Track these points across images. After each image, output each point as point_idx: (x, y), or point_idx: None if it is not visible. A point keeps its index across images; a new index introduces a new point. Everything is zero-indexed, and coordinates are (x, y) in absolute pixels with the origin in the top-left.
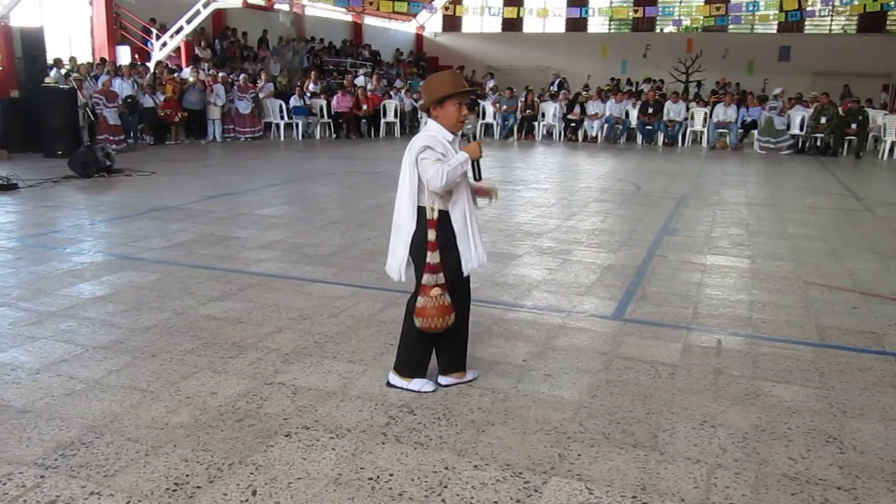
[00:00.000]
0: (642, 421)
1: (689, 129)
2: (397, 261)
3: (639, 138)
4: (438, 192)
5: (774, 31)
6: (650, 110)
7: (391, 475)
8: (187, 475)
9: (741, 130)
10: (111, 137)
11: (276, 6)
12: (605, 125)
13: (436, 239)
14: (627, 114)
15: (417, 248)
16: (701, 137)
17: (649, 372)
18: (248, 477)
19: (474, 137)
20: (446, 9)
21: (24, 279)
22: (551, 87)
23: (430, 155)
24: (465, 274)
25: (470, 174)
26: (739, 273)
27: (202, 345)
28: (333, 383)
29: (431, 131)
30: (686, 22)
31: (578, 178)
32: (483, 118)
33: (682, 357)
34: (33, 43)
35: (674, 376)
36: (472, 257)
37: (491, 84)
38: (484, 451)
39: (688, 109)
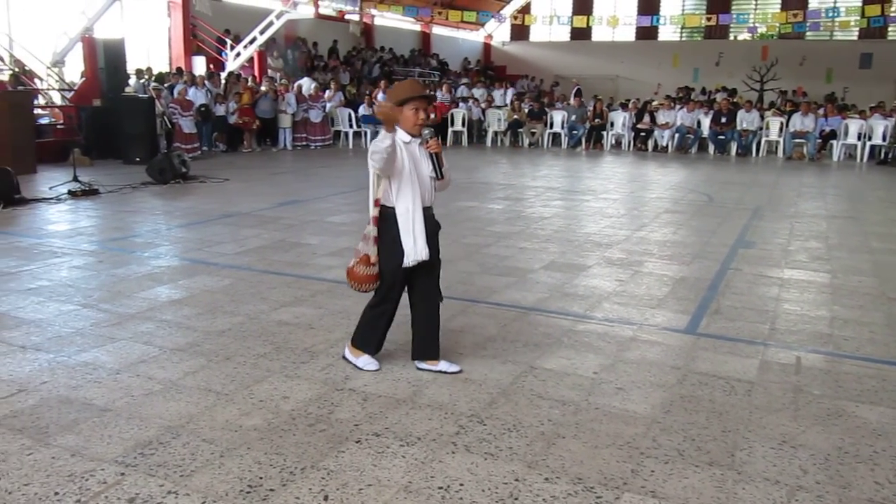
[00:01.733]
0: (718, 439)
1: (763, 139)
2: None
3: (711, 148)
4: (376, 169)
5: (855, 38)
6: (723, 119)
7: (461, 485)
8: (261, 478)
9: (820, 140)
10: (186, 145)
11: (347, 17)
12: (676, 135)
13: (378, 221)
14: (699, 123)
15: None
16: (776, 147)
17: (724, 388)
18: (320, 481)
19: (428, 140)
20: (515, 18)
21: (105, 281)
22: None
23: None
24: (406, 264)
25: (430, 171)
26: (819, 288)
27: (274, 349)
28: (403, 391)
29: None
30: (761, 29)
31: (648, 189)
32: (551, 127)
33: (759, 374)
34: (115, 54)
35: (750, 393)
36: (409, 251)
37: (574, 90)
38: (555, 464)
39: (762, 118)
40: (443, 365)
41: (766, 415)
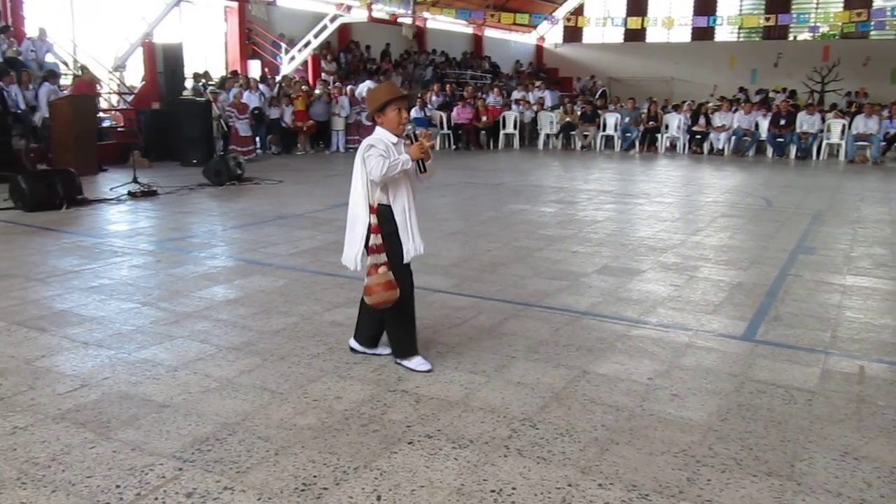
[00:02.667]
0: (777, 448)
1: (824, 142)
2: (354, 251)
3: (769, 151)
4: (376, 181)
5: None
6: (782, 122)
7: (514, 489)
8: (315, 476)
9: (884, 143)
10: (242, 148)
11: (400, 20)
12: (733, 137)
13: (378, 224)
14: (757, 125)
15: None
16: (838, 151)
17: (784, 397)
18: (373, 481)
19: (416, 139)
20: (567, 20)
21: (164, 280)
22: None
23: (373, 152)
24: (405, 261)
25: (415, 169)
26: (883, 295)
27: (328, 350)
28: (455, 393)
29: (377, 135)
30: (823, 29)
31: (704, 192)
32: (604, 130)
33: (820, 383)
34: (173, 58)
35: (811, 403)
36: (410, 248)
37: (599, 91)
38: (609, 470)
39: (823, 121)
40: (416, 363)
41: (828, 425)
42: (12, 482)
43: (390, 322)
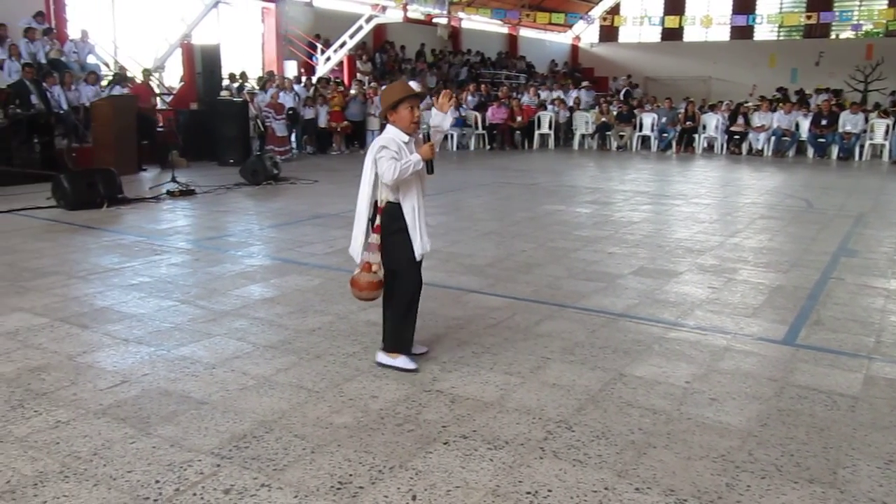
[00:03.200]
0: (819, 455)
1: (867, 142)
2: (357, 245)
3: (809, 152)
4: (389, 185)
5: None
6: (823, 122)
7: (549, 491)
8: (350, 475)
9: None
10: (278, 148)
11: (435, 20)
12: (773, 137)
13: (383, 223)
14: (797, 125)
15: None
16: (881, 151)
17: (826, 403)
18: (409, 481)
19: (429, 138)
20: (604, 19)
21: (202, 279)
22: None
23: (385, 153)
24: (417, 258)
25: (425, 169)
26: None
27: (363, 349)
28: (491, 394)
29: (389, 134)
30: (866, 27)
31: (742, 194)
32: (640, 130)
33: (864, 389)
34: (211, 59)
35: (854, 409)
36: (419, 246)
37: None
38: (646, 474)
39: (867, 121)
40: (402, 360)
41: (872, 432)
42: (55, 475)
43: (392, 315)
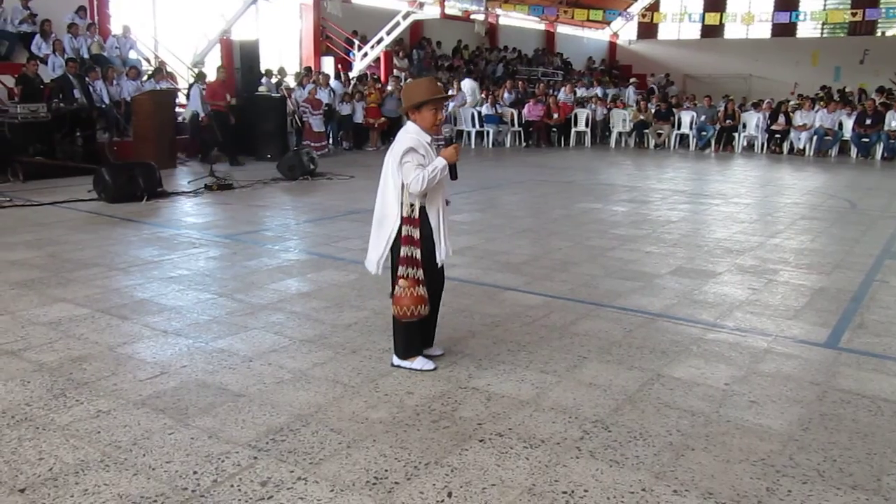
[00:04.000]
0: (862, 461)
1: None
2: (377, 255)
3: (853, 151)
4: (418, 195)
5: None
6: (868, 121)
7: (586, 491)
8: (386, 470)
9: None
10: (315, 143)
11: (472, 16)
12: (815, 137)
13: (416, 236)
14: (840, 125)
15: (400, 242)
16: None
17: (870, 408)
18: (444, 478)
19: (451, 141)
20: (643, 16)
21: (239, 272)
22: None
23: (412, 159)
24: (439, 265)
25: (449, 174)
26: None
27: None
28: (527, 392)
29: (411, 133)
30: None
31: (783, 194)
32: (678, 128)
33: None
34: (250, 54)
35: None
36: (441, 251)
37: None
38: (684, 476)
39: None
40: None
41: None
42: (96, 464)
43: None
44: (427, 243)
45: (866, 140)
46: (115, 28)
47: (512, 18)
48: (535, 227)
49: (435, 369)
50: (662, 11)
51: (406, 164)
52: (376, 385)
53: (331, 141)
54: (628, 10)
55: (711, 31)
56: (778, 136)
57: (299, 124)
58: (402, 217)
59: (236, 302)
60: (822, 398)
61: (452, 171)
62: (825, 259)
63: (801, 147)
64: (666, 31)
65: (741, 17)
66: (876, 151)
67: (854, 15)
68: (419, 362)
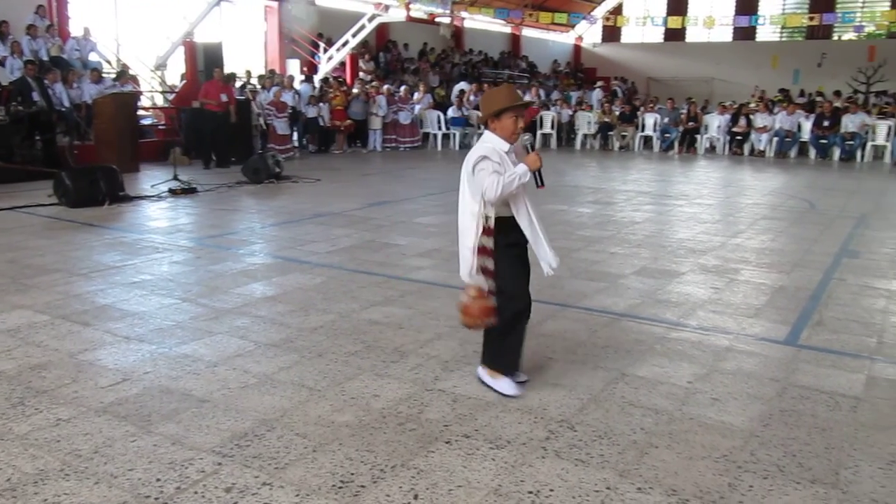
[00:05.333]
0: (821, 455)
1: (869, 144)
2: (467, 266)
3: (812, 153)
4: (492, 202)
5: None
6: (826, 123)
7: (552, 490)
8: (352, 473)
9: None
10: (280, 146)
11: (438, 19)
12: (775, 138)
13: (495, 244)
14: (799, 126)
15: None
16: (883, 153)
17: (828, 403)
18: (410, 480)
19: (532, 149)
20: (606, 19)
21: (203, 277)
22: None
23: (486, 166)
24: (546, 274)
25: (532, 182)
26: None
27: (365, 348)
28: (492, 394)
29: (488, 142)
30: (869, 28)
31: (745, 194)
32: (642, 130)
33: (866, 389)
34: (213, 57)
35: (856, 410)
36: (548, 260)
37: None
38: (648, 474)
39: (869, 122)
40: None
41: (874, 433)
42: (56, 473)
43: (496, 332)
44: (514, 251)
45: (824, 141)
46: (76, 30)
47: (477, 21)
48: None
49: (517, 397)
50: (626, 15)
51: (480, 172)
52: (342, 388)
53: (297, 144)
54: (592, 13)
55: (674, 35)
56: (739, 137)
57: (264, 127)
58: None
59: (200, 307)
60: (781, 394)
61: (538, 179)
62: (785, 258)
63: (762, 148)
64: (630, 35)
65: (703, 20)
66: (833, 153)
67: (812, 19)
68: (504, 384)
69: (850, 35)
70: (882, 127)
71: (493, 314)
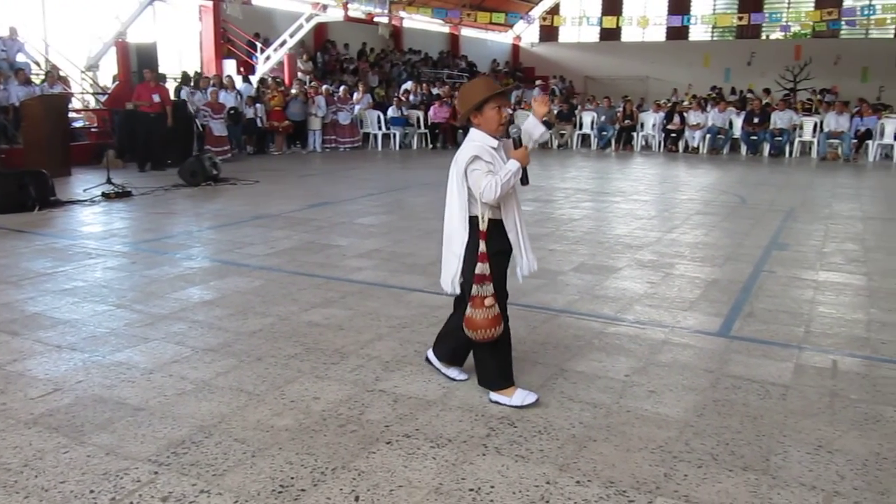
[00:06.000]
0: (752, 443)
1: (797, 140)
2: (451, 273)
3: (743, 149)
4: (493, 204)
5: (892, 36)
6: (756, 119)
7: (492, 487)
8: (292, 477)
9: (855, 141)
10: (217, 148)
11: (376, 19)
12: (708, 135)
13: (486, 250)
14: (731, 123)
15: (470, 258)
16: (810, 148)
17: (759, 392)
18: (351, 482)
19: (521, 141)
20: (543, 19)
21: (138, 282)
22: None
23: (479, 166)
24: (520, 280)
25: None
26: (855, 290)
27: (305, 350)
28: (433, 393)
29: (476, 140)
30: (795, 28)
31: (679, 190)
32: (580, 128)
33: (794, 378)
34: (147, 57)
35: (785, 397)
36: (524, 265)
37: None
38: (586, 467)
39: (795, 118)
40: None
41: (802, 419)
42: None
43: (483, 348)
44: (500, 258)
45: (755, 138)
46: (1, 30)
47: (416, 21)
48: (442, 229)
49: (536, 400)
50: (562, 15)
51: (474, 173)
52: (282, 392)
53: (235, 145)
54: (530, 13)
55: (610, 35)
56: (674, 135)
57: (200, 129)
58: (471, 230)
59: (135, 313)
60: (715, 385)
61: (524, 176)
62: (718, 252)
63: (696, 145)
64: (567, 35)
65: (637, 20)
66: (763, 149)
67: (741, 19)
68: (517, 396)
69: (777, 34)
70: (809, 123)
71: (500, 321)
